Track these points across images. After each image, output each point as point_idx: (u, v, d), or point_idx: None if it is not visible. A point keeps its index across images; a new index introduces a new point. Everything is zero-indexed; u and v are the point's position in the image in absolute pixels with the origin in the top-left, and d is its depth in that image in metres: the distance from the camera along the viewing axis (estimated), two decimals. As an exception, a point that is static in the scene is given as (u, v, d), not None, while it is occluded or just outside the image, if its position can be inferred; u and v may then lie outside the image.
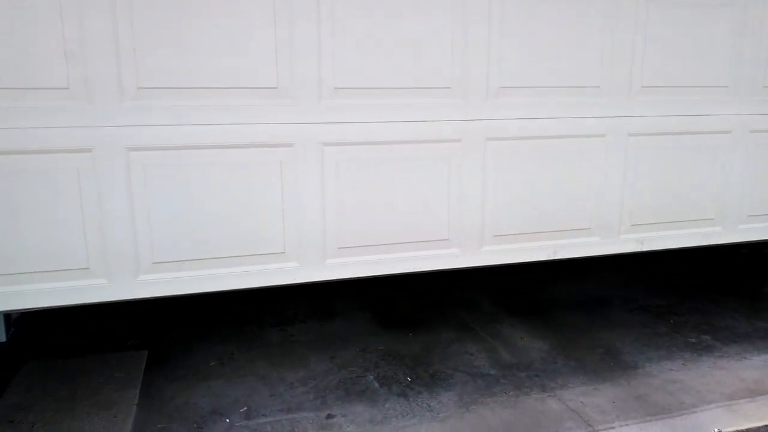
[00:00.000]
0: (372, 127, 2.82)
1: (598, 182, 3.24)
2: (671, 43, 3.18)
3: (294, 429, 2.51)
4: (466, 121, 2.97)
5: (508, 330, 3.47)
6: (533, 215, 3.14)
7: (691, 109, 3.32)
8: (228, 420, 2.56)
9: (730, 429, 2.52)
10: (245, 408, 2.66)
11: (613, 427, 2.53)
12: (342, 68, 2.74)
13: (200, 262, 2.72)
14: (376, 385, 2.85)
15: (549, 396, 2.77)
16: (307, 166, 2.77)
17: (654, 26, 3.13)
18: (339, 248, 2.89)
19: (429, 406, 2.68)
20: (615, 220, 3.31)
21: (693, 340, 3.37)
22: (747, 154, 3.48)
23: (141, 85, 2.54)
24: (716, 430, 2.49)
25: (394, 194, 2.91)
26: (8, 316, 3.00)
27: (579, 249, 3.28)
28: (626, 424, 2.54)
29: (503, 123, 3.01)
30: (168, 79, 2.56)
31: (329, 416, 2.59)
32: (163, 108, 2.56)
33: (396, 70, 2.79)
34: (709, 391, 2.80)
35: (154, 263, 2.66)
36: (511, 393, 2.79)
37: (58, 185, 2.50)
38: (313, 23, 2.65)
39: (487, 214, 3.09)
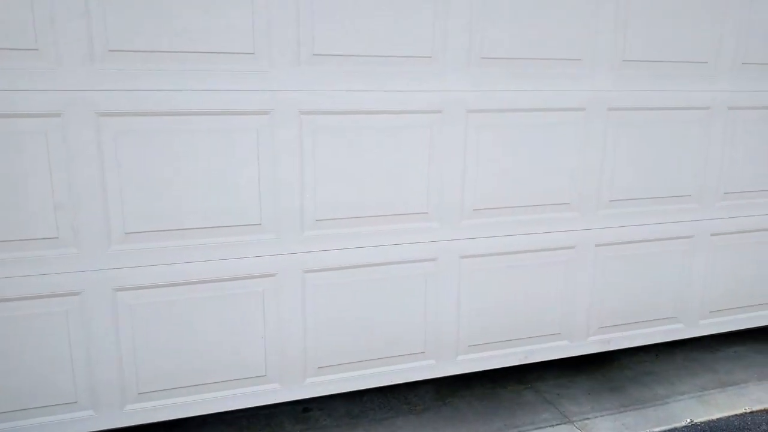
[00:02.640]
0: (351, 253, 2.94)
1: (567, 291, 3.39)
2: (639, 165, 3.34)
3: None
4: (442, 242, 3.09)
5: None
6: (506, 323, 3.29)
7: (655, 218, 3.47)
8: None
9: (701, 419, 2.57)
10: None
11: (588, 418, 2.58)
12: (323, 201, 2.84)
13: (186, 389, 2.81)
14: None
15: (525, 388, 2.81)
16: (288, 293, 2.88)
17: (622, 146, 3.28)
18: (319, 368, 3.01)
19: (406, 398, 2.68)
20: (583, 324, 3.47)
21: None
22: (707, 256, 3.65)
23: (128, 230, 2.61)
24: (688, 419, 2.56)
25: (373, 312, 3.04)
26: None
27: (549, 353, 3.44)
28: (601, 415, 2.59)
29: (475, 242, 3.14)
30: (155, 223, 2.63)
31: (305, 410, 2.54)
32: (149, 249, 2.64)
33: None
34: (681, 383, 2.84)
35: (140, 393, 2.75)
36: (488, 386, 2.80)
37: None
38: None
39: (463, 326, 3.22)
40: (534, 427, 2.47)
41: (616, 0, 3.08)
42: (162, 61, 2.49)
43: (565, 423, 2.46)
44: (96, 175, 2.52)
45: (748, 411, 2.54)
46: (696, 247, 3.63)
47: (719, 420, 2.52)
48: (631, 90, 3.23)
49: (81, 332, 2.63)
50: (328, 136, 2.78)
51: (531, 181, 3.17)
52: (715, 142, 3.47)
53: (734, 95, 3.42)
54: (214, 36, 2.53)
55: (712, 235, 3.66)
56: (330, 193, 2.85)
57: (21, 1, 2.28)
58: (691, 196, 3.53)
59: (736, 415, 2.55)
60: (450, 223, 3.08)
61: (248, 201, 2.74)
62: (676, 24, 3.19)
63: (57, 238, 2.54)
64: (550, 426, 2.48)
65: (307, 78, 2.69)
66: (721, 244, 3.68)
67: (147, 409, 2.79)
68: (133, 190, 2.58)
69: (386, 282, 3.05)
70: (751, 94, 3.45)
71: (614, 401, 2.64)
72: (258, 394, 2.94)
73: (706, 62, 3.33)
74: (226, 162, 2.67)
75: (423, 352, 3.19)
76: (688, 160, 3.46)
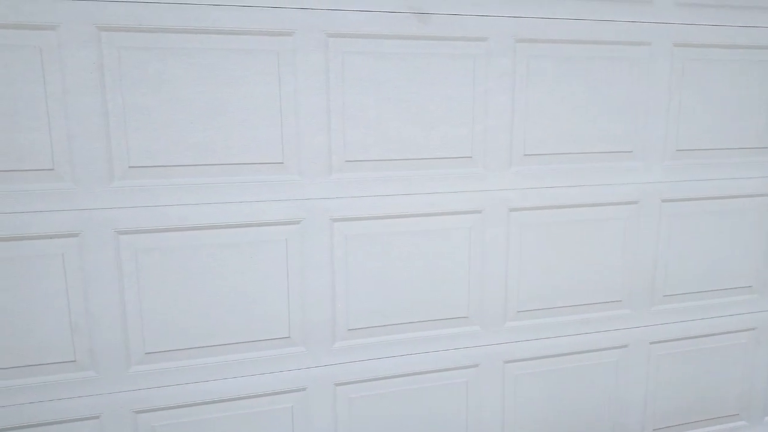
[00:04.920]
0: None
1: (618, 391, 3.14)
2: (694, 256, 3.08)
3: None
4: (484, 347, 2.87)
5: None
6: (555, 428, 3.04)
7: (714, 311, 3.21)
8: None
9: None
10: None
11: None
12: (355, 310, 2.66)
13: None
14: None
15: None
16: (318, 409, 2.70)
17: (675, 238, 3.03)
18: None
19: None
20: (636, 426, 3.21)
21: None
22: (772, 350, 3.37)
23: (148, 350, 2.45)
24: None
25: (409, 426, 2.82)
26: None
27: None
28: None
29: (519, 345, 2.91)
30: (177, 342, 2.47)
31: None
32: (171, 370, 2.48)
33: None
34: None
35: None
36: None
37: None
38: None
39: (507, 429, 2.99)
40: None
41: (669, 90, 2.84)
42: (184, 175, 2.33)
43: None
44: (115, 295, 2.36)
45: None
46: (759, 339, 3.34)
47: None
48: (684, 180, 2.99)
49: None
50: (361, 242, 2.60)
51: (578, 279, 2.94)
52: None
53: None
54: (241, 148, 2.36)
55: (775, 327, 3.36)
56: (362, 301, 2.66)
57: (37, 122, 2.14)
58: (752, 287, 3.26)
59: None
60: (493, 327, 2.86)
61: (276, 314, 2.56)
62: (726, 111, 2.95)
63: (74, 361, 2.38)
64: None
65: (339, 185, 2.50)
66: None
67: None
68: (153, 308, 2.42)
69: (422, 393, 2.84)
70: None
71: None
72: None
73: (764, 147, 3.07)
74: (254, 274, 2.50)
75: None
76: (745, 250, 3.18)
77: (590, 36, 2.67)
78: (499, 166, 2.70)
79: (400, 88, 2.48)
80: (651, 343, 3.15)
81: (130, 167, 2.28)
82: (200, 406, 2.57)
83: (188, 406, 2.55)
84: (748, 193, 3.10)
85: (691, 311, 3.18)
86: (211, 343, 2.52)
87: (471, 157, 2.65)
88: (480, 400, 2.93)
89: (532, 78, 2.64)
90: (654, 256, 3.04)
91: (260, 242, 2.48)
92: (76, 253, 2.30)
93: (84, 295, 2.34)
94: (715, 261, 3.15)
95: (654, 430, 3.27)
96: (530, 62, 2.63)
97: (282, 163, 2.42)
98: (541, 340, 2.96)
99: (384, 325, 2.73)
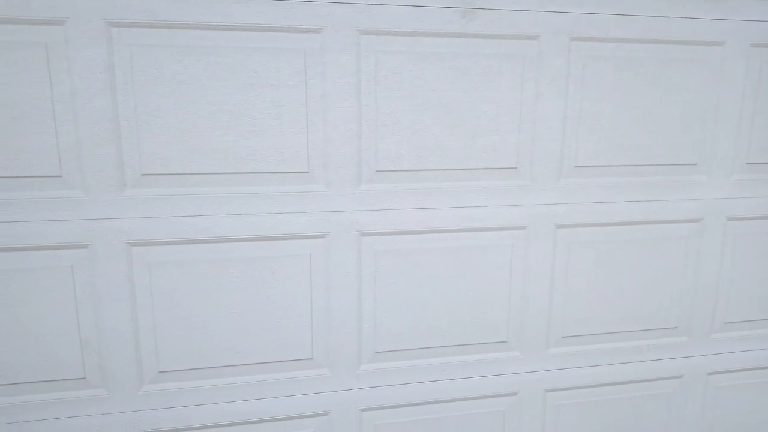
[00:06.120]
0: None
1: (670, 427, 2.86)
2: (760, 281, 2.77)
3: None
4: (525, 374, 2.63)
5: None
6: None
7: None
8: None
9: None
10: None
11: None
12: (383, 331, 2.45)
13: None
14: None
15: None
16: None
17: (739, 260, 2.72)
18: None
19: None
20: None
21: None
22: None
23: (162, 369, 2.29)
24: None
25: None
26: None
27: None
28: None
29: (563, 374, 2.66)
30: (192, 360, 2.30)
31: None
32: (185, 389, 2.33)
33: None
34: None
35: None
36: None
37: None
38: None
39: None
40: None
41: (743, 96, 2.52)
42: (201, 183, 2.14)
43: None
44: (127, 311, 2.20)
45: None
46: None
47: None
48: (753, 196, 2.68)
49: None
50: (391, 258, 2.38)
51: (630, 303, 2.66)
52: None
53: None
54: (263, 155, 2.16)
55: None
56: (392, 322, 2.45)
57: (43, 126, 1.97)
58: (828, 315, 2.93)
59: None
60: (534, 352, 2.61)
61: (298, 333, 2.37)
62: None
63: (84, 378, 2.24)
64: None
65: (369, 197, 2.29)
66: None
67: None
68: (168, 325, 2.26)
69: (455, 421, 2.62)
70: None
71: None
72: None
73: None
74: (275, 291, 2.31)
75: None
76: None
77: (654, 34, 2.38)
78: (547, 179, 2.44)
79: (440, 91, 2.24)
80: (709, 373, 2.87)
81: (143, 175, 2.10)
82: (213, 429, 2.39)
83: (201, 429, 2.38)
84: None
85: (754, 340, 2.88)
86: (228, 362, 2.35)
87: (516, 168, 2.40)
88: (518, 430, 2.70)
89: (588, 81, 2.37)
90: (716, 279, 2.74)
91: (283, 257, 2.29)
92: (86, 266, 2.14)
93: (94, 309, 2.19)
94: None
95: None
96: (586, 63, 2.35)
97: (308, 172, 2.22)
98: (587, 368, 2.71)
99: (415, 349, 2.51)
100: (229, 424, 2.40)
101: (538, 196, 2.44)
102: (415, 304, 2.45)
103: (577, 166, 2.45)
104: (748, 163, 2.63)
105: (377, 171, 2.28)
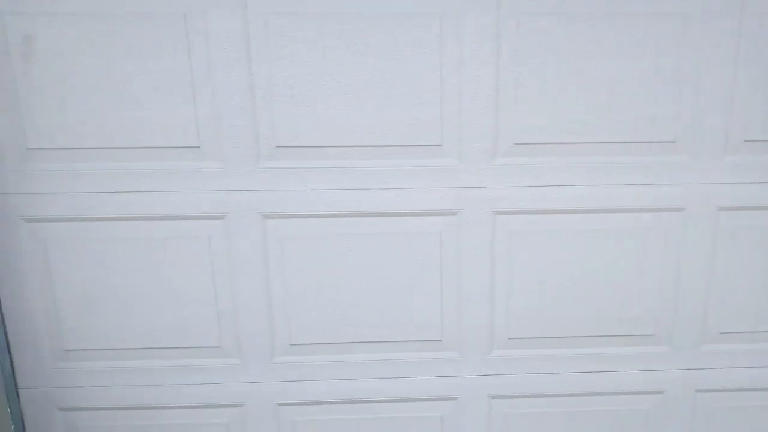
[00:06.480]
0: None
1: None
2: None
3: None
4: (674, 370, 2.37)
5: None
6: None
7: None
8: None
9: None
10: None
11: None
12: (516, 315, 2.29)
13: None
14: None
15: None
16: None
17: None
18: None
19: None
20: None
21: None
22: None
23: (293, 341, 2.30)
24: None
25: None
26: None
27: None
28: None
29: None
30: (325, 335, 2.30)
31: None
32: (315, 365, 2.34)
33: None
34: None
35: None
36: None
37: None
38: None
39: None
40: None
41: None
42: (334, 157, 2.10)
43: None
44: (260, 283, 2.21)
45: None
46: None
47: None
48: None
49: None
50: (528, 237, 2.22)
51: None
52: None
53: None
54: (394, 128, 2.06)
55: None
56: (525, 306, 2.28)
57: (183, 97, 2.00)
58: None
59: None
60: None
61: (428, 313, 2.28)
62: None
63: (219, 347, 2.29)
64: None
65: (503, 173, 2.13)
66: None
67: None
68: (299, 298, 2.26)
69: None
70: None
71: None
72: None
73: None
74: (405, 269, 2.24)
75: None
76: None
77: None
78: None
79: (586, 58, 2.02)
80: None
81: (277, 147, 2.08)
82: (343, 405, 2.39)
83: (331, 404, 2.39)
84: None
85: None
86: (357, 338, 2.32)
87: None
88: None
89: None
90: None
91: (413, 234, 2.20)
92: (222, 236, 2.17)
93: (230, 280, 2.22)
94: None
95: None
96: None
97: (440, 145, 2.10)
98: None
99: (548, 337, 2.33)
100: (357, 402, 2.38)
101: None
102: (550, 286, 2.27)
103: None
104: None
105: (515, 144, 2.11)
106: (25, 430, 2.30)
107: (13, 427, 2.22)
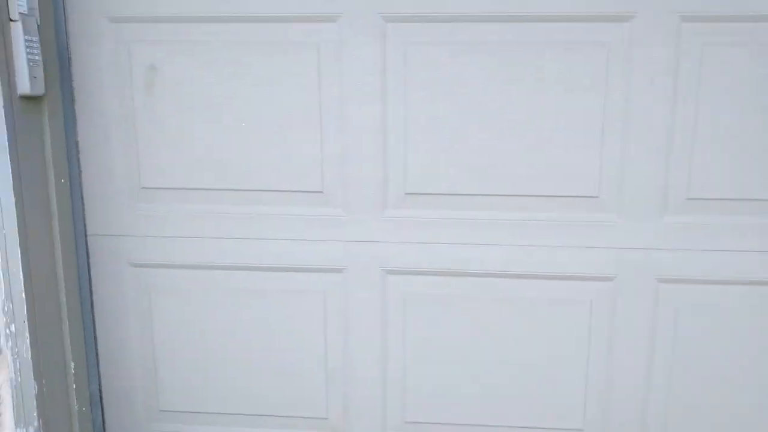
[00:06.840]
0: None
1: None
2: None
3: None
4: None
5: None
6: None
7: None
8: None
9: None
10: None
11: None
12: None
13: None
14: None
15: None
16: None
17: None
18: None
19: None
20: None
21: None
22: None
23: (408, 419, 1.98)
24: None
25: None
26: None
27: None
28: None
29: None
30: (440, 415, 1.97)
31: None
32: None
33: None
34: None
35: None
36: None
37: None
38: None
39: None
40: None
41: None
42: (469, 207, 1.83)
43: None
44: (377, 346, 1.94)
45: None
46: None
47: None
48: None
49: None
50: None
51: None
52: None
53: None
54: (544, 174, 1.78)
55: None
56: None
57: (309, 135, 1.81)
58: None
59: None
60: None
61: (567, 400, 1.92)
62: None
63: (326, 419, 2.01)
64: None
65: (673, 232, 1.79)
66: None
67: None
68: (419, 366, 1.96)
69: None
70: None
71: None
72: None
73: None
74: (551, 344, 1.89)
75: None
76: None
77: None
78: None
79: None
80: None
81: (406, 194, 1.84)
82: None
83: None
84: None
85: None
86: (485, 421, 1.96)
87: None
88: None
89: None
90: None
91: (563, 299, 1.87)
92: (340, 292, 1.92)
93: (344, 341, 1.95)
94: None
95: None
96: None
97: (597, 197, 1.78)
98: None
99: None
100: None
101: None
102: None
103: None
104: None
105: (688, 199, 1.77)
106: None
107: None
